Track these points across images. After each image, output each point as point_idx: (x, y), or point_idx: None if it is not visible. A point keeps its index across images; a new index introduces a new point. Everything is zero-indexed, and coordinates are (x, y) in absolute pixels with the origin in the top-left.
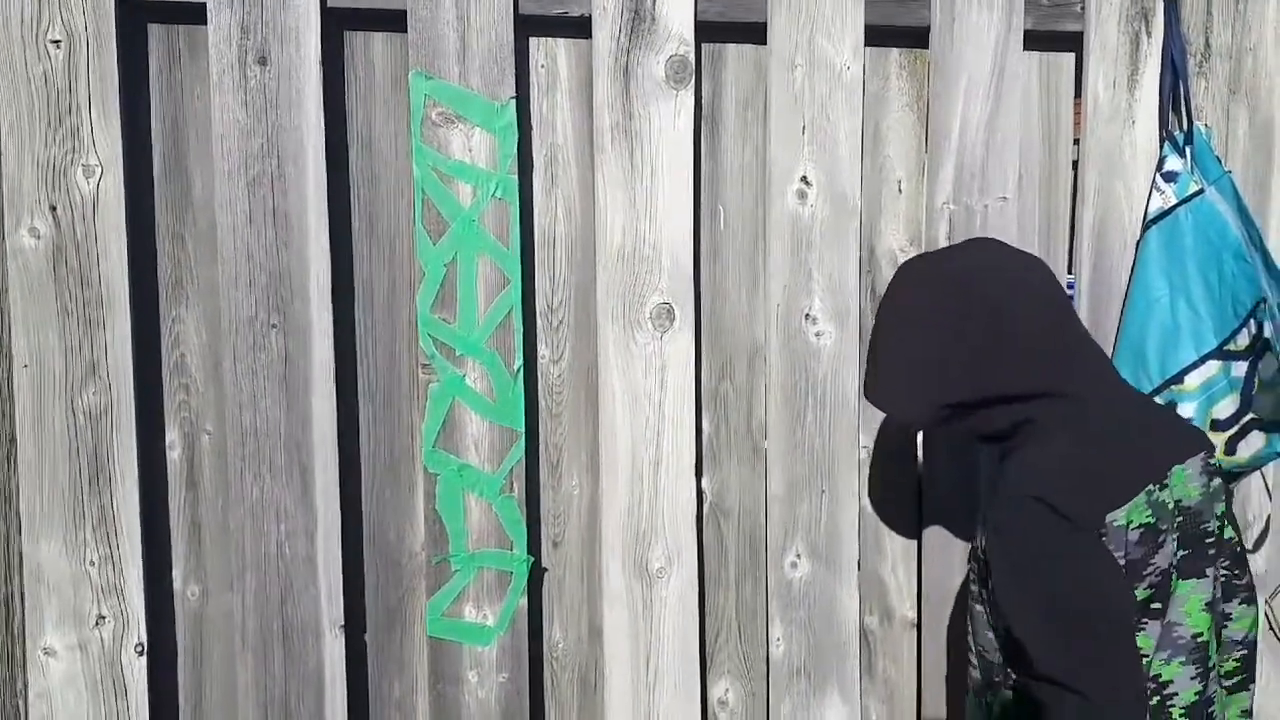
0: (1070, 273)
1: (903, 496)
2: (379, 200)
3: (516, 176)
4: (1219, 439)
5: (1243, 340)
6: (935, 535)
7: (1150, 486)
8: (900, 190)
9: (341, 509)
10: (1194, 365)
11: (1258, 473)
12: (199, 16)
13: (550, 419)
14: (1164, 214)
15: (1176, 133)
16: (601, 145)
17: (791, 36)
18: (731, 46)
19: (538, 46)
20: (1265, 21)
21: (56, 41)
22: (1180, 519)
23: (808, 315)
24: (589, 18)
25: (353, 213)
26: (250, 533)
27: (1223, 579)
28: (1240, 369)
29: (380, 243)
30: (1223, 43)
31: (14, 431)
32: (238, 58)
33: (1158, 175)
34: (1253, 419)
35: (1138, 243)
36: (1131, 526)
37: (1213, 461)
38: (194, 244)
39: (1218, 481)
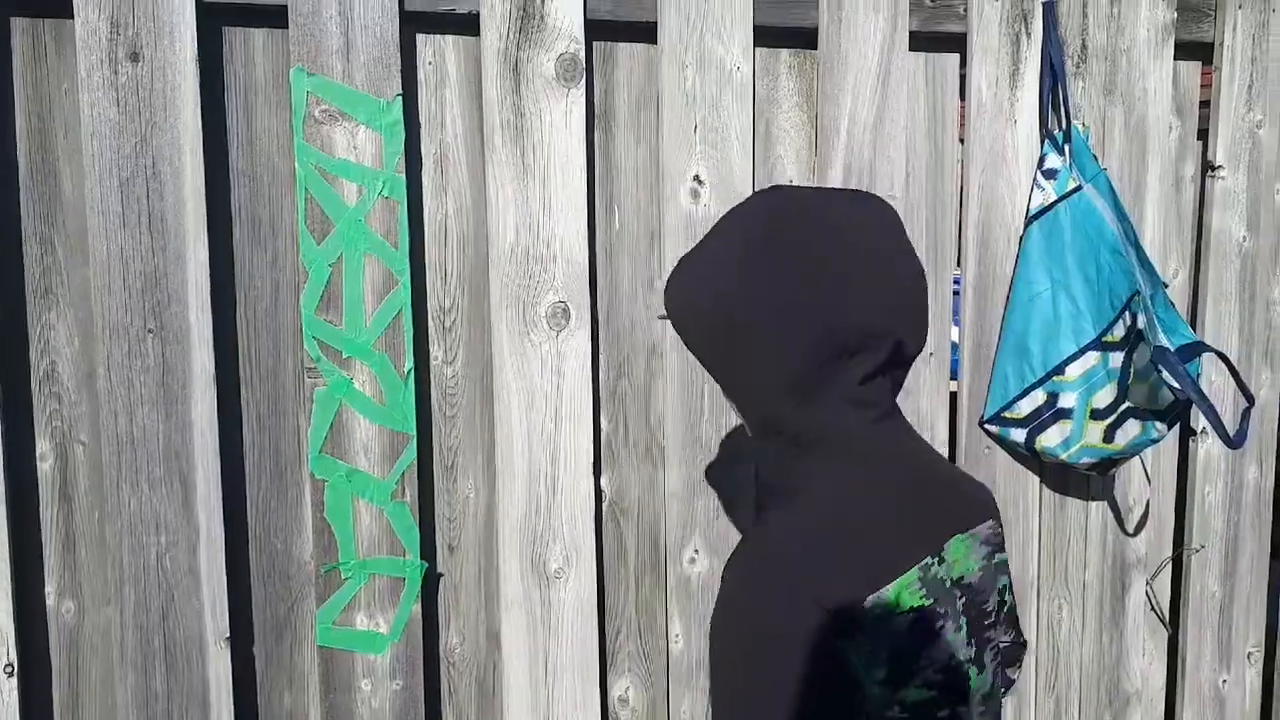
0: (958, 267)
1: None
2: (261, 200)
3: (404, 175)
4: (1099, 427)
5: (1119, 332)
6: None
7: (927, 560)
8: None
9: (226, 519)
10: (1074, 356)
11: (1137, 459)
12: (65, 9)
13: (444, 421)
14: (1045, 210)
15: (1056, 131)
16: (492, 143)
17: (682, 36)
18: (623, 45)
19: (425, 43)
20: (1138, 23)
21: None
22: (963, 599)
23: None
24: (477, 15)
25: (234, 213)
26: (129, 545)
27: (1004, 648)
28: (1117, 360)
29: (263, 244)
30: (1098, 44)
31: None
32: (108, 53)
33: (1039, 172)
34: (1129, 407)
35: (1021, 238)
36: (899, 611)
37: (1000, 531)
38: (64, 248)
39: (1002, 555)
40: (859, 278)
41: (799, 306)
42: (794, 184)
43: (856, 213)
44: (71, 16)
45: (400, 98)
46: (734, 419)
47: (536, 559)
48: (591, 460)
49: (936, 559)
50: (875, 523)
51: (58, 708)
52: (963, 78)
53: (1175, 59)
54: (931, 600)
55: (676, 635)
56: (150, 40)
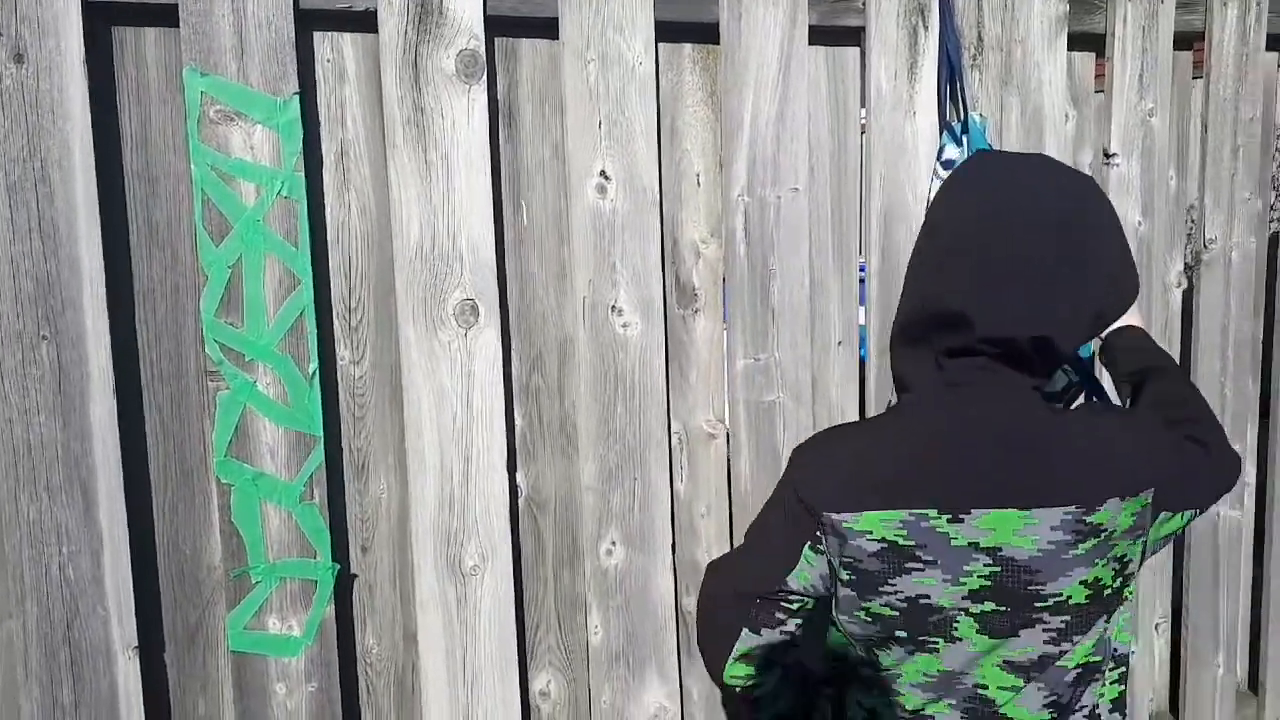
0: (861, 256)
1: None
2: (158, 202)
3: (303, 174)
4: None
5: None
6: (744, 519)
7: (927, 512)
8: (699, 183)
9: (133, 525)
10: None
11: None
12: None
13: (354, 422)
14: None
15: (954, 122)
16: (393, 141)
17: (583, 31)
18: (525, 41)
19: (323, 40)
20: (1032, 15)
21: None
22: (993, 566)
23: (613, 307)
24: (374, 12)
25: (129, 216)
26: (29, 556)
27: (1086, 664)
28: None
29: (161, 246)
30: (993, 36)
31: None
32: None
33: (937, 164)
34: None
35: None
36: (870, 537)
37: (1091, 520)
38: None
39: (1089, 543)
40: (955, 265)
41: (912, 274)
42: (1004, 150)
43: (998, 197)
44: None
45: (297, 96)
46: (648, 407)
47: (451, 557)
48: (505, 456)
49: (947, 517)
50: (891, 462)
51: None
52: (863, 71)
53: (1069, 50)
54: (912, 543)
55: (596, 626)
56: (35, 41)
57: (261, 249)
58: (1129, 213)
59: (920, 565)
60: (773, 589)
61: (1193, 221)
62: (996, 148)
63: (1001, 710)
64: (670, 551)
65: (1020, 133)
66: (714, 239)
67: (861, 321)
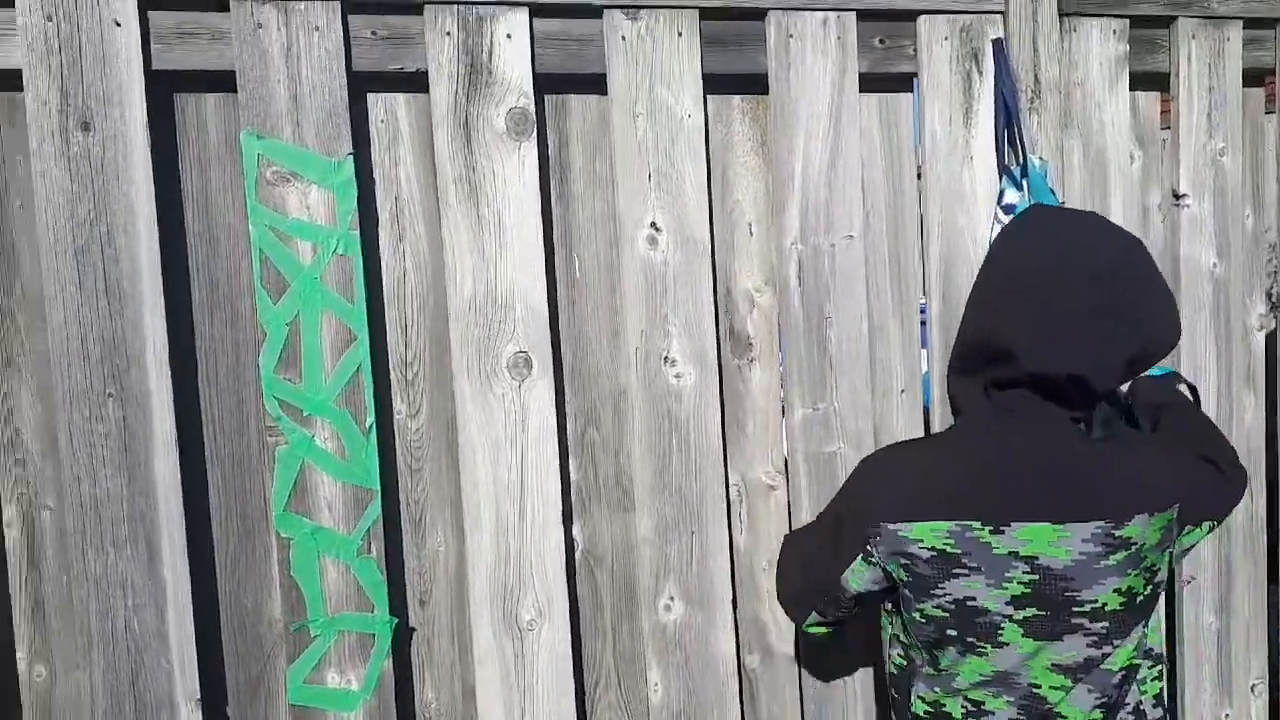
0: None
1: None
2: (219, 262)
3: (358, 232)
4: None
5: None
6: None
7: (973, 524)
8: (751, 232)
9: (196, 579)
10: None
11: None
12: (17, 83)
13: (410, 475)
14: None
15: (1014, 166)
16: (446, 199)
17: (631, 87)
18: (575, 97)
19: (376, 102)
20: (1090, 56)
21: None
22: (1031, 575)
23: (666, 358)
24: (425, 72)
25: (192, 276)
26: (95, 609)
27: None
28: None
29: (222, 305)
30: (1051, 78)
31: None
32: (59, 124)
33: (998, 208)
34: None
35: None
36: (921, 545)
37: (1120, 534)
38: (25, 317)
39: (1120, 555)
40: (1008, 306)
41: (970, 309)
42: (1062, 207)
43: (1052, 250)
44: (23, 89)
45: (351, 156)
46: (704, 459)
47: (508, 611)
48: (560, 510)
49: (990, 528)
50: (944, 479)
51: None
52: None
53: (1132, 89)
54: (959, 551)
55: (655, 684)
56: (100, 110)
57: (318, 306)
58: (1203, 255)
59: (966, 571)
60: (833, 589)
61: (1275, 260)
62: (1058, 191)
63: (1056, 709)
64: (731, 607)
65: (1083, 175)
66: (768, 287)
67: (925, 367)
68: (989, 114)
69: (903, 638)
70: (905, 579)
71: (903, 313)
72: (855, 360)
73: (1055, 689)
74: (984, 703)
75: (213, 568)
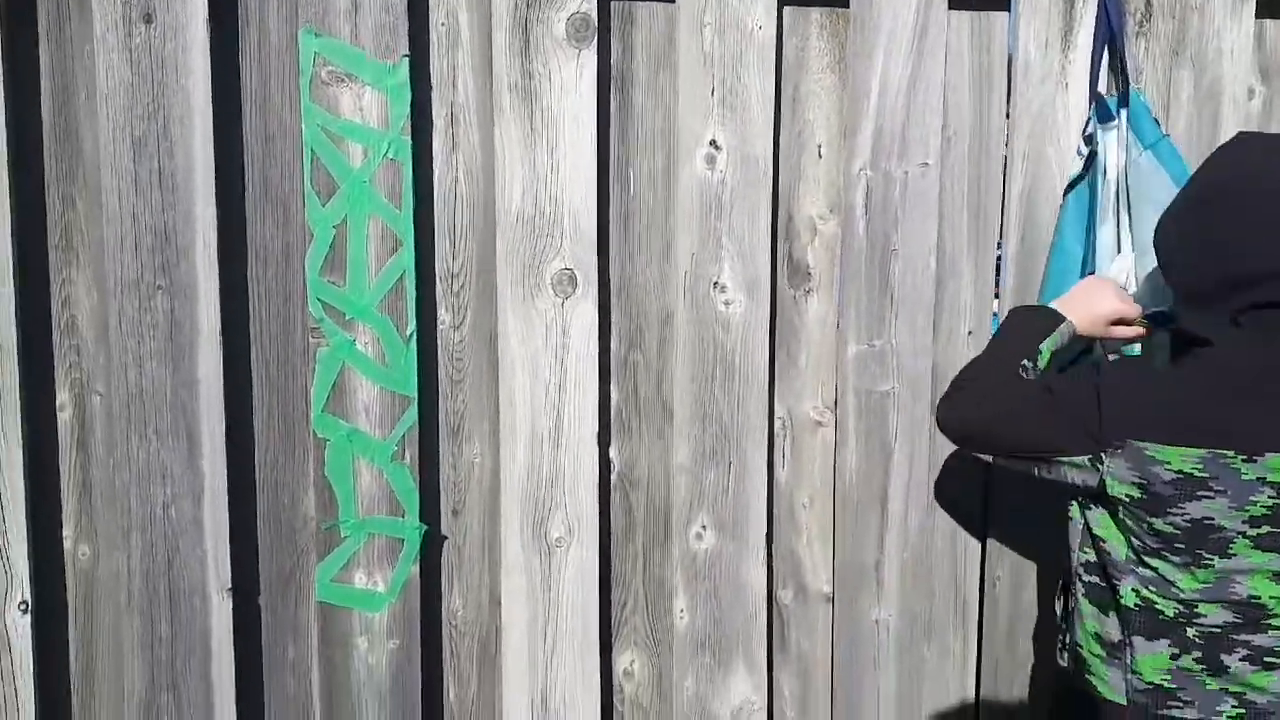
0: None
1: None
2: (273, 161)
3: (410, 137)
4: None
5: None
6: (847, 513)
7: (1226, 452)
8: (820, 155)
9: (236, 473)
10: None
11: None
12: None
13: (451, 386)
14: (1080, 178)
15: (1111, 95)
16: (500, 106)
17: None
18: (641, 5)
19: (438, 4)
20: None
21: None
22: (1276, 499)
23: (716, 283)
24: None
25: (246, 173)
26: (136, 494)
27: None
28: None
29: (274, 204)
30: (1165, 1)
31: None
32: (122, 15)
33: (1081, 139)
34: None
35: (1060, 207)
36: (1167, 467)
37: None
38: (84, 205)
39: None
40: (1251, 231)
41: (1197, 245)
42: (1259, 133)
43: None
44: None
45: (406, 59)
46: (749, 389)
47: (538, 526)
48: (595, 430)
49: (1243, 457)
50: (1197, 405)
51: (73, 645)
52: None
53: (1258, 16)
54: (1206, 475)
55: (682, 610)
56: (163, 2)
57: (366, 210)
58: None
59: (1210, 494)
60: (1038, 452)
61: None
62: (1162, 123)
63: (1272, 613)
64: (765, 541)
65: (1191, 109)
66: (833, 215)
67: (996, 311)
68: (1089, 38)
69: (1104, 535)
70: (1134, 495)
71: (977, 249)
72: (919, 297)
73: (1275, 598)
74: (1197, 606)
75: (252, 462)
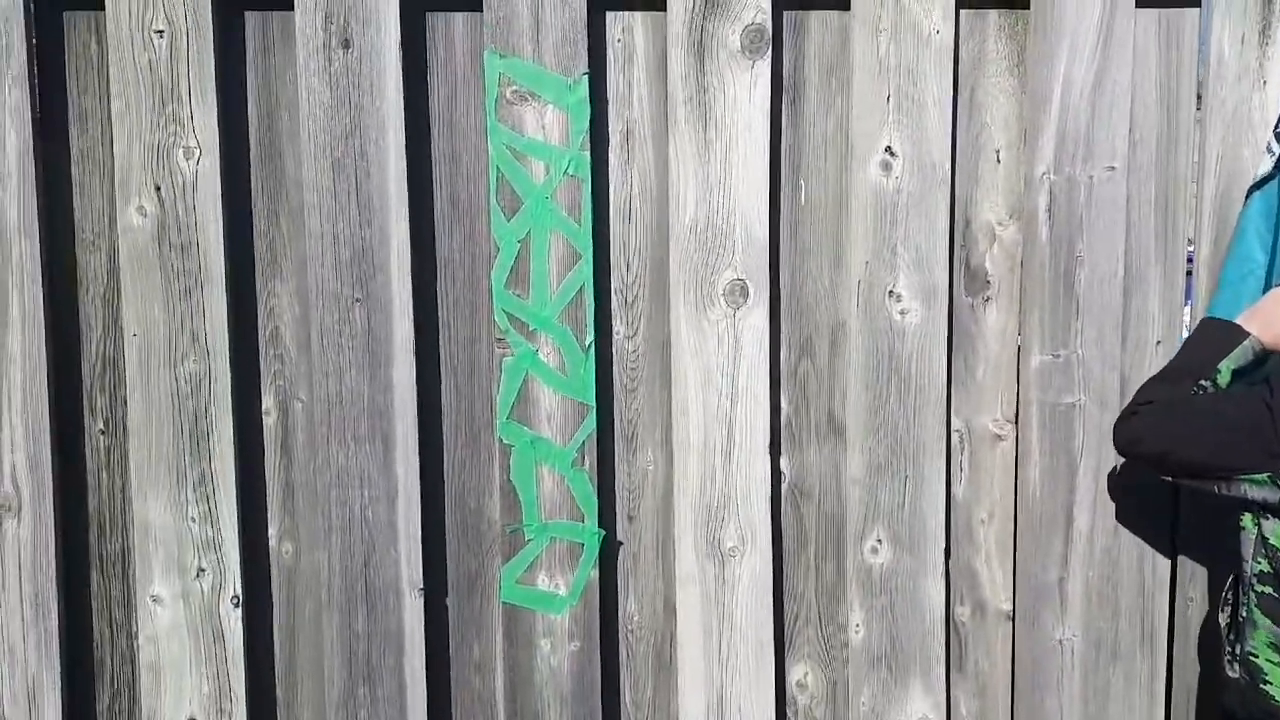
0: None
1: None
2: (460, 178)
3: (589, 153)
4: None
5: None
6: (1030, 530)
7: None
8: (999, 160)
9: (425, 477)
10: None
11: None
12: (289, 3)
13: (625, 394)
14: (1269, 178)
15: None
16: (675, 119)
17: (876, 1)
18: (815, 13)
19: (614, 21)
20: None
21: (160, 32)
22: None
23: (891, 292)
24: None
25: (435, 190)
26: (335, 497)
27: None
28: None
29: (461, 219)
30: None
31: (126, 396)
32: (323, 42)
33: (1272, 136)
34: None
35: (1242, 209)
36: None
37: None
38: (288, 222)
39: None
40: None
41: None
42: None
43: None
44: (293, 9)
45: (586, 76)
46: (925, 401)
47: (711, 536)
48: (768, 440)
49: None
50: None
51: (278, 637)
52: None
53: None
54: None
55: (857, 625)
56: (359, 29)
57: (548, 225)
58: None
59: None
60: (1216, 474)
61: None
62: None
63: None
64: (943, 556)
65: None
66: (1012, 221)
67: (1188, 319)
68: None
69: None
70: None
71: (1166, 256)
72: (1106, 306)
73: None
74: None
75: (440, 467)
